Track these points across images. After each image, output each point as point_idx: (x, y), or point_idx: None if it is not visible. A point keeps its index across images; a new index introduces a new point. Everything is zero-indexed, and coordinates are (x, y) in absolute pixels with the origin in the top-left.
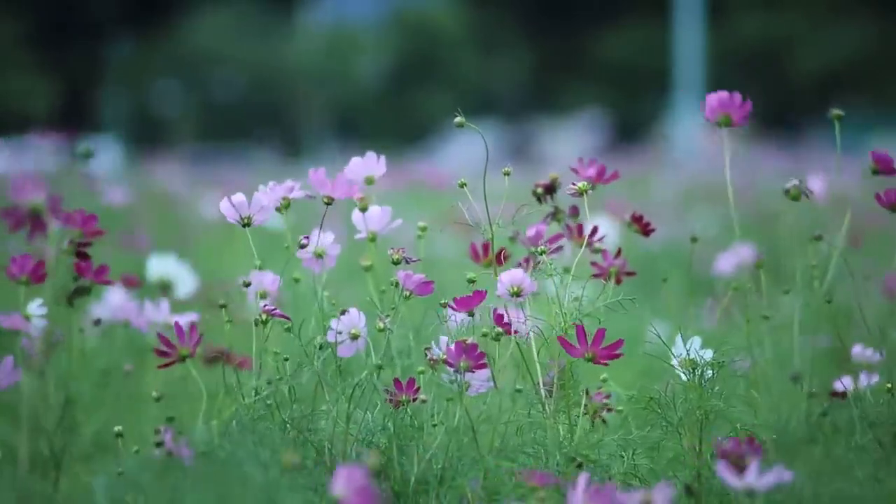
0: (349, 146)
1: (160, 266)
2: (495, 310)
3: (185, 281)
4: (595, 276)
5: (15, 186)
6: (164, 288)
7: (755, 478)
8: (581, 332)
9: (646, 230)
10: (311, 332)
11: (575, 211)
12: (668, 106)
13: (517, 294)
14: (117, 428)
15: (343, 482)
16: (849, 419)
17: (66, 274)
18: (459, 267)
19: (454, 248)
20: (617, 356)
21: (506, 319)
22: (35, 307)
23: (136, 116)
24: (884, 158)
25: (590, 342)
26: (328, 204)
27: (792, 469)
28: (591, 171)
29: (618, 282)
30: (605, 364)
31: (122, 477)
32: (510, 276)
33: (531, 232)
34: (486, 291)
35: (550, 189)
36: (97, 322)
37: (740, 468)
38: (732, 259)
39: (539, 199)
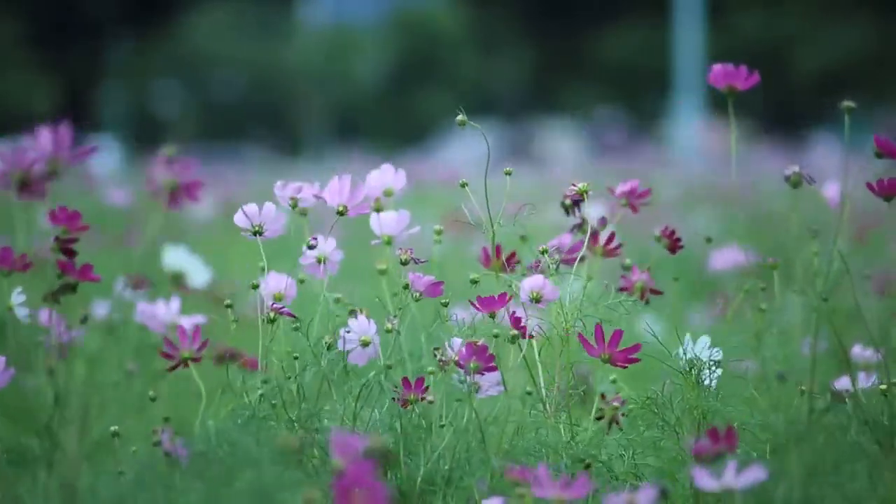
0: (349, 146)
1: (174, 257)
2: (512, 313)
3: (198, 273)
4: (622, 289)
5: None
6: (177, 280)
7: (732, 478)
8: (599, 332)
9: (674, 246)
10: (317, 331)
11: (604, 222)
12: (668, 106)
13: (537, 300)
14: (114, 427)
15: (340, 451)
16: (848, 418)
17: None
18: (461, 266)
19: (455, 248)
20: (634, 360)
21: (523, 322)
22: (16, 295)
23: (136, 116)
24: (886, 142)
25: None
26: (341, 215)
27: (786, 467)
28: (626, 188)
29: (642, 296)
30: (625, 367)
31: (119, 476)
32: (531, 282)
33: (555, 242)
34: (509, 295)
35: (578, 201)
36: (84, 319)
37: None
38: (727, 258)
39: (567, 210)
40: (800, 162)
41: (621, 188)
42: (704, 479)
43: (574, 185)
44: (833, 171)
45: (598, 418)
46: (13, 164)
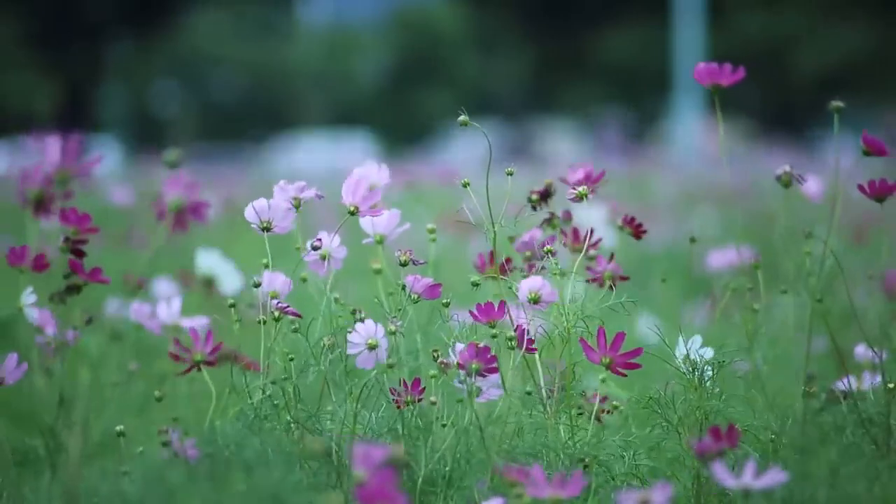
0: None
1: (207, 261)
2: (518, 325)
3: (229, 277)
4: (591, 280)
5: (24, 175)
6: (209, 284)
7: (752, 478)
8: (602, 335)
9: (637, 232)
10: (319, 332)
11: (568, 216)
12: (668, 106)
13: (536, 301)
14: (119, 427)
15: (362, 461)
16: (844, 418)
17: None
18: (459, 266)
19: (454, 248)
20: (634, 366)
21: (524, 329)
22: (27, 295)
23: (135, 116)
24: (873, 141)
25: (608, 346)
26: (352, 214)
27: (787, 468)
28: (580, 175)
29: (611, 286)
30: (624, 375)
31: (125, 476)
32: (529, 283)
33: (525, 237)
34: (505, 303)
35: (546, 195)
36: (89, 321)
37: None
38: (725, 257)
39: (534, 205)
40: (805, 162)
41: (574, 176)
42: (725, 478)
43: (574, 188)
44: (848, 171)
45: (580, 415)
46: (28, 182)
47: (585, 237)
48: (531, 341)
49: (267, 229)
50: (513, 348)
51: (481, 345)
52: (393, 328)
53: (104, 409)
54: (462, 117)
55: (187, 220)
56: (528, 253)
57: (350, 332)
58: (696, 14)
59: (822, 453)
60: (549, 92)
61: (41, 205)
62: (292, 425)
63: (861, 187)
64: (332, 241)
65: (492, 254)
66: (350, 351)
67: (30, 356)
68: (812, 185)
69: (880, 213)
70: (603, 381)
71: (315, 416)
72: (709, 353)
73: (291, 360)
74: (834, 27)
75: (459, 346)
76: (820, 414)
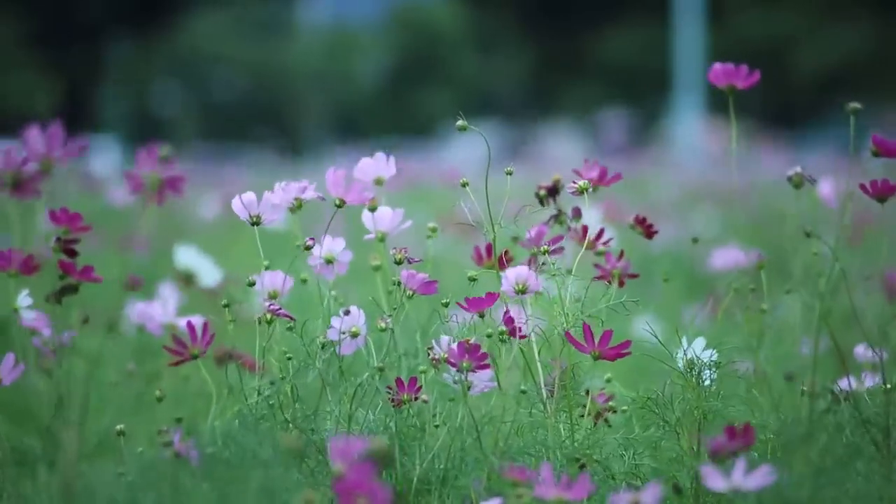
0: (349, 145)
1: (186, 256)
2: (505, 311)
3: (208, 272)
4: (598, 277)
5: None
6: (188, 279)
7: (741, 478)
8: (588, 330)
9: (649, 232)
10: (316, 332)
11: (578, 213)
12: (668, 106)
13: (522, 291)
14: (119, 426)
15: (340, 455)
16: (847, 418)
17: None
18: (459, 267)
19: (454, 248)
20: (623, 355)
21: (515, 320)
22: (23, 297)
23: (135, 116)
24: (883, 142)
25: (597, 342)
26: (339, 207)
27: (789, 468)
28: (594, 173)
29: (621, 284)
30: (612, 360)
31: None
32: (516, 273)
33: (532, 233)
34: (497, 293)
35: (553, 191)
36: (86, 320)
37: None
38: (727, 257)
39: (542, 201)
40: (806, 162)
41: (588, 172)
42: (714, 479)
43: (574, 182)
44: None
45: (582, 415)
46: (4, 164)
47: (598, 235)
48: (517, 328)
49: (256, 223)
50: (504, 341)
51: (471, 341)
52: (383, 325)
53: (103, 408)
54: (460, 122)
55: (165, 195)
56: (534, 249)
57: (336, 319)
58: (696, 14)
59: (820, 452)
60: (549, 92)
61: (18, 185)
62: (290, 424)
63: (863, 186)
64: (336, 244)
65: (489, 247)
66: (330, 335)
67: (27, 357)
68: (826, 188)
69: (882, 213)
70: (609, 380)
71: (312, 415)
72: (707, 353)
73: (290, 359)
74: (834, 27)
75: (445, 339)
76: (822, 414)
